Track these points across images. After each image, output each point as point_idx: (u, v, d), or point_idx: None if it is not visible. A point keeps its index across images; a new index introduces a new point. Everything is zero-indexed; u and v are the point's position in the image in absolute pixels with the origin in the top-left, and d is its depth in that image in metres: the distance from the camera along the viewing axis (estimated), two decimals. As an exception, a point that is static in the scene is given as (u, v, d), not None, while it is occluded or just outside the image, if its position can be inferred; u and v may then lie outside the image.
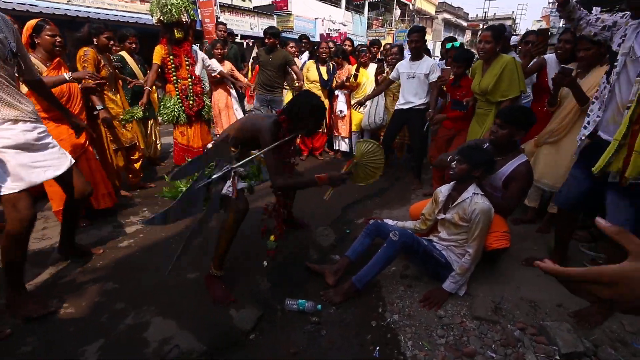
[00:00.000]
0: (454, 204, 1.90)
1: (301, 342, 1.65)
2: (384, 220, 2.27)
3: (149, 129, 4.04)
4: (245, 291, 1.94)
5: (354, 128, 4.41)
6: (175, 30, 3.23)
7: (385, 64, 3.99)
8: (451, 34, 25.09)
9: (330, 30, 16.20)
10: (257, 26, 12.45)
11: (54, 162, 1.77)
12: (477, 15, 35.25)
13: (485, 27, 2.59)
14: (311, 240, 2.51)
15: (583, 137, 1.74)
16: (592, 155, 1.60)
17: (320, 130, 2.08)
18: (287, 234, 2.56)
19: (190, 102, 3.44)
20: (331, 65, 4.24)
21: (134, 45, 3.70)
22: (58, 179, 1.85)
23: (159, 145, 4.28)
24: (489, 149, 2.02)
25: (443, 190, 2.04)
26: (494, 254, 1.94)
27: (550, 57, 2.55)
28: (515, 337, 1.62)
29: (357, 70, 4.16)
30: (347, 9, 18.82)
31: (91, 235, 2.52)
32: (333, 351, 1.61)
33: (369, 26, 20.33)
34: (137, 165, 3.31)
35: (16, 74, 1.66)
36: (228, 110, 4.46)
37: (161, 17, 3.14)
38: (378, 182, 3.62)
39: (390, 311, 1.82)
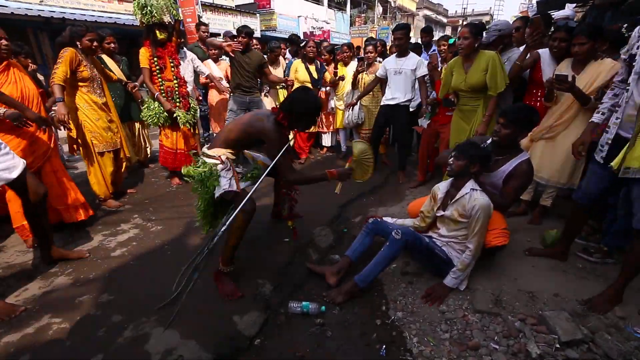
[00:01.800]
0: (453, 201, 1.92)
1: (307, 345, 1.64)
2: (383, 218, 2.28)
3: (137, 132, 3.93)
4: (248, 295, 1.91)
5: (339, 125, 4.49)
6: (158, 32, 3.15)
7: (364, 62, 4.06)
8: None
9: (314, 28, 16.15)
10: (240, 25, 12.27)
11: (8, 164, 1.79)
12: (456, 11, 35.83)
13: (464, 23, 2.61)
14: (310, 240, 2.50)
15: (609, 142, 1.73)
16: (610, 152, 1.65)
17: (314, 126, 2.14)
18: (287, 235, 2.55)
19: (177, 103, 3.36)
20: (319, 63, 4.24)
21: (112, 46, 3.61)
22: (12, 185, 1.86)
23: (148, 149, 4.17)
24: (488, 146, 2.05)
25: (441, 187, 2.06)
26: (493, 250, 1.98)
27: (544, 51, 2.56)
28: (517, 328, 1.66)
29: (336, 68, 4.25)
30: (329, 6, 18.79)
31: (80, 246, 2.43)
32: (340, 353, 1.61)
33: (352, 24, 20.38)
34: (120, 173, 3.19)
35: None
36: (224, 111, 4.39)
37: (142, 19, 3.06)
38: (372, 179, 3.70)
39: (394, 309, 1.83)
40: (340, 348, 1.64)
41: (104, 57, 3.50)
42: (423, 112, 3.40)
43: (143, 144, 4.07)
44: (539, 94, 2.60)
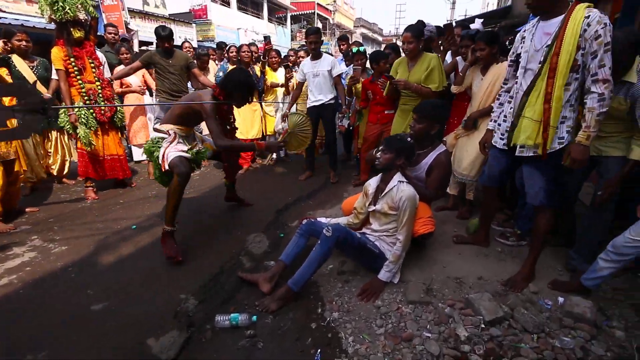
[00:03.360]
0: (383, 194, 1.94)
1: (235, 361, 1.48)
2: (318, 219, 2.22)
3: (52, 142, 3.41)
4: (168, 314, 1.69)
5: (269, 131, 4.49)
6: (73, 30, 2.82)
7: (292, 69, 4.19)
8: (369, 47, 27.03)
9: (254, 40, 16.10)
10: (175, 33, 11.71)
11: None
12: (390, 31, 38.73)
13: (404, 30, 2.77)
14: (243, 248, 2.33)
15: (507, 130, 1.89)
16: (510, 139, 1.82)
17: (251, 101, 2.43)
18: (216, 244, 2.36)
19: (102, 109, 3.01)
20: (257, 68, 4.16)
21: (23, 44, 3.14)
22: None
23: (67, 162, 3.61)
24: (411, 142, 2.13)
25: (372, 183, 2.08)
26: (421, 238, 2.03)
27: (460, 58, 2.88)
28: (447, 314, 1.69)
29: (263, 70, 4.24)
30: (269, 20, 18.95)
31: (-48, 277, 1.96)
32: (272, 363, 1.48)
33: (293, 38, 20.78)
34: (14, 188, 2.70)
35: None
36: (142, 120, 4.09)
37: (52, 16, 2.71)
38: (310, 183, 3.71)
39: (330, 310, 1.76)
40: (272, 359, 1.50)
41: (14, 57, 3.02)
42: (344, 112, 3.51)
43: (61, 155, 3.52)
44: (459, 99, 2.85)
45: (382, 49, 3.88)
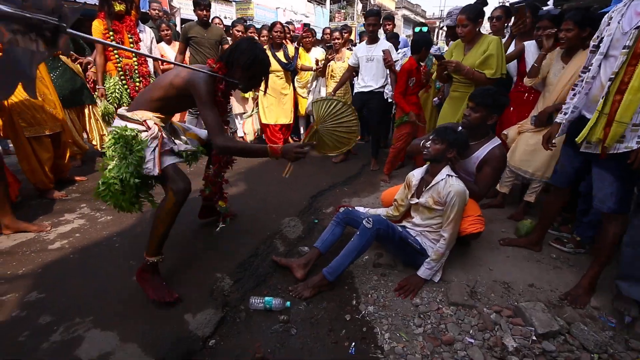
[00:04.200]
0: (428, 187, 1.81)
1: (269, 345, 1.47)
2: (355, 207, 2.14)
3: (88, 117, 3.55)
4: (204, 291, 1.71)
5: (302, 113, 4.32)
6: (114, 3, 2.84)
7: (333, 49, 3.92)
8: (410, 30, 25.74)
9: (292, 20, 15.86)
10: (214, 12, 11.79)
11: None
12: (433, 13, 36.59)
13: (461, 9, 2.48)
14: (277, 232, 2.31)
15: (567, 122, 1.71)
16: (578, 131, 1.60)
17: (260, 89, 1.84)
18: (251, 226, 2.35)
19: (137, 83, 3.05)
20: (290, 48, 4.00)
21: None
22: None
23: (105, 137, 3.78)
24: (465, 133, 1.95)
25: (416, 175, 1.95)
26: (468, 238, 1.89)
27: (529, 43, 2.49)
28: (492, 320, 1.57)
29: (297, 53, 4.07)
30: (309, 0, 18.52)
31: (12, 237, 2.11)
32: (305, 352, 1.45)
33: (331, 19, 20.22)
34: (64, 160, 2.82)
35: None
36: None
37: None
38: (345, 169, 3.59)
39: (365, 302, 1.70)
40: (306, 347, 1.47)
41: None
42: (392, 99, 3.35)
43: (98, 130, 3.67)
44: (520, 87, 2.55)
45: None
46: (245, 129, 4.35)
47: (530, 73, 2.33)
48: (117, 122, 1.65)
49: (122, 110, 1.68)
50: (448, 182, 1.74)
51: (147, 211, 2.40)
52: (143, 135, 1.59)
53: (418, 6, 32.70)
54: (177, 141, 1.80)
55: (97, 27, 2.90)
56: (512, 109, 2.57)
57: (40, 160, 2.52)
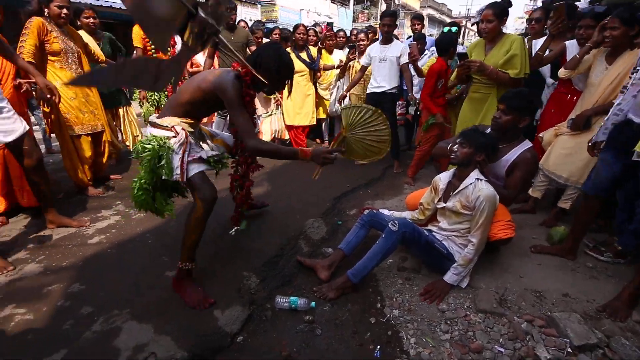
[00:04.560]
0: (456, 192, 1.78)
1: (294, 344, 1.50)
2: (380, 210, 2.14)
3: (122, 118, 3.73)
4: (231, 289, 1.76)
5: (322, 115, 4.32)
6: None
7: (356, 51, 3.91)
8: (435, 30, 25.22)
9: (316, 22, 15.96)
10: (240, 15, 12.07)
11: (6, 127, 1.84)
12: (460, 12, 35.61)
13: (487, 4, 2.42)
14: (301, 232, 2.34)
15: (611, 125, 1.64)
16: (623, 138, 1.53)
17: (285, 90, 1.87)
18: (275, 226, 2.40)
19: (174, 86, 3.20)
20: (313, 50, 4.02)
21: (91, 21, 3.11)
22: (8, 147, 1.96)
23: (138, 138, 3.95)
24: (494, 137, 1.90)
25: (442, 178, 1.92)
26: (497, 244, 1.84)
27: (571, 43, 2.37)
28: (523, 329, 1.52)
29: (319, 54, 4.07)
30: (332, 1, 18.57)
31: (56, 231, 2.27)
32: (330, 353, 1.46)
33: (355, 20, 20.17)
34: (102, 159, 2.97)
35: None
36: None
37: None
38: (368, 172, 3.57)
39: (390, 306, 1.69)
40: (330, 347, 1.49)
41: (82, 33, 3.18)
42: (410, 99, 3.31)
43: (132, 131, 3.85)
44: (562, 88, 2.45)
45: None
46: (262, 128, 4.39)
47: (568, 64, 2.20)
48: (148, 130, 1.73)
49: (152, 118, 1.76)
50: (477, 186, 1.70)
51: (178, 209, 2.51)
52: (172, 141, 1.64)
53: (444, 5, 31.93)
54: (204, 146, 1.85)
55: (138, 32, 3.04)
56: (552, 110, 2.47)
57: (81, 158, 2.69)
